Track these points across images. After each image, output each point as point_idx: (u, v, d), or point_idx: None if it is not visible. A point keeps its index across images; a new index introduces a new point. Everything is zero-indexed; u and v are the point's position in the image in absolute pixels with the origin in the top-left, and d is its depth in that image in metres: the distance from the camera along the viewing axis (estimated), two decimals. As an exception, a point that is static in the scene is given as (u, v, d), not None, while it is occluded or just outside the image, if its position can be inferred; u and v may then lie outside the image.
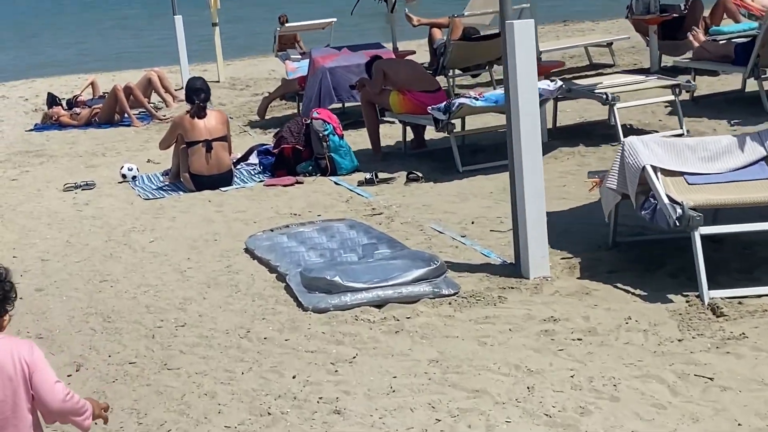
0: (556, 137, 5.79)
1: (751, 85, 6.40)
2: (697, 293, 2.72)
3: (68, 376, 2.65)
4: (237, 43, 14.30)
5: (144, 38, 19.42)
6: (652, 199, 2.90)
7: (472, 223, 4.10)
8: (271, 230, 4.08)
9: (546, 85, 5.06)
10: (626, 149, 3.06)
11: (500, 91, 5.22)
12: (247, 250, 3.91)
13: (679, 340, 2.41)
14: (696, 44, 7.02)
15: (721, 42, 6.82)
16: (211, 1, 10.58)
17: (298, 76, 7.59)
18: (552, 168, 4.83)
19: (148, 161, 6.38)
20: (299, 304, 3.09)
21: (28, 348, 1.39)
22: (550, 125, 5.85)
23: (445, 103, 5.18)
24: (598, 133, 5.84)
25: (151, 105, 8.67)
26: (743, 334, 2.37)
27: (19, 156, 7.17)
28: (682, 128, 5.50)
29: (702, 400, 1.94)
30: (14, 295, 1.44)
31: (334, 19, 10.22)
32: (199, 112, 5.31)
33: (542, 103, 4.45)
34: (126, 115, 8.12)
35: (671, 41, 7.91)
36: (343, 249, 3.67)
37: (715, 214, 3.14)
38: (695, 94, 6.47)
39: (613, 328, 2.60)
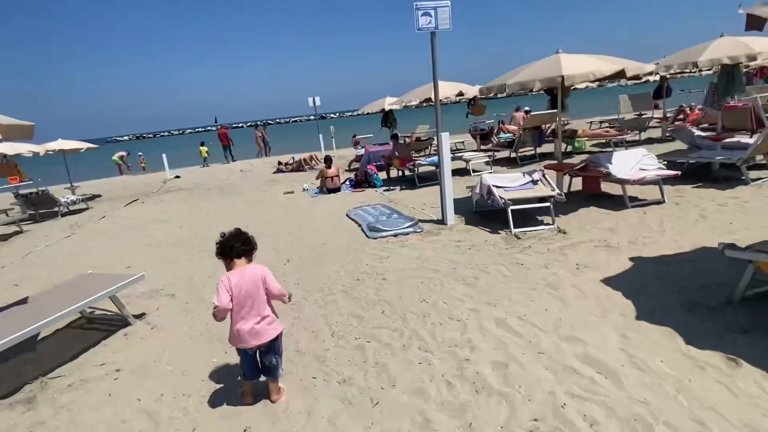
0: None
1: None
2: (508, 230, 6.18)
3: (285, 264, 6.64)
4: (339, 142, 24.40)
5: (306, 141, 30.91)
6: (492, 196, 6.63)
7: (424, 204, 8.53)
8: (355, 208, 8.65)
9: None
10: (482, 179, 7.07)
11: (432, 158, 10.75)
12: (347, 215, 8.29)
13: (506, 249, 5.59)
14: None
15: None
16: (332, 130, 23.95)
17: (359, 154, 15.37)
18: (456, 184, 9.55)
19: (305, 187, 12.54)
20: (366, 235, 6.97)
21: (263, 269, 3.10)
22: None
23: (412, 162, 10.54)
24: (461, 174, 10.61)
25: (309, 165, 17.10)
26: (530, 246, 5.61)
27: (267, 182, 14.85)
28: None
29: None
30: (255, 245, 3.14)
31: (372, 135, 21.33)
32: (330, 165, 11.24)
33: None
34: (305, 167, 17.04)
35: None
36: (380, 215, 7.86)
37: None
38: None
39: (480, 244, 5.81)
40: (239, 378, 3.46)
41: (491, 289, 4.71)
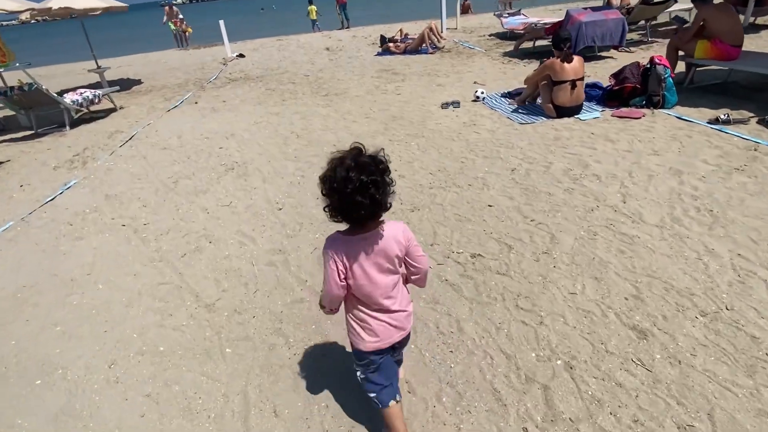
0: None
1: None
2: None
3: None
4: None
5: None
6: None
7: None
8: None
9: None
10: None
11: None
12: None
13: None
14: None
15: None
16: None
17: (518, 25, 10.17)
18: None
19: (478, 95, 6.51)
20: None
21: (403, 228, 1.63)
22: None
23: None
24: None
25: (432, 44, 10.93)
26: None
27: (382, 73, 8.88)
28: None
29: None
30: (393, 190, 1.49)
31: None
32: (568, 57, 5.07)
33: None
34: (424, 46, 10.79)
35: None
36: None
37: None
38: None
39: None
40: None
41: None
